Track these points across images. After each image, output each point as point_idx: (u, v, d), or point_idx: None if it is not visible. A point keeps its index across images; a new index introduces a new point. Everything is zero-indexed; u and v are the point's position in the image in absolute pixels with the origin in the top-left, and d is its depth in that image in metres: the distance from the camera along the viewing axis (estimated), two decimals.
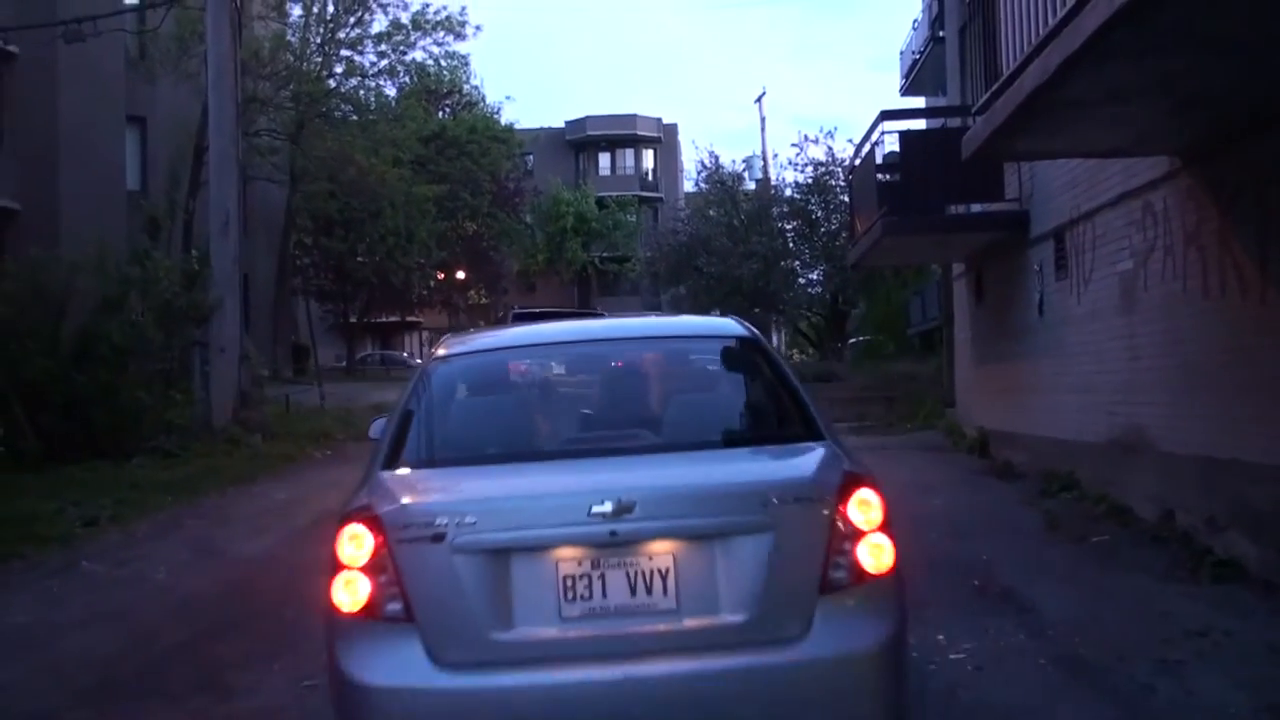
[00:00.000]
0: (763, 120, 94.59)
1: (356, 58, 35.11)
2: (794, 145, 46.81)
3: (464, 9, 37.10)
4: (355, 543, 3.66)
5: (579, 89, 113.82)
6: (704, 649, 3.60)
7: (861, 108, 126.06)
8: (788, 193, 37.19)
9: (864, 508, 3.74)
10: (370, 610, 3.63)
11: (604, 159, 65.13)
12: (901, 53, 30.10)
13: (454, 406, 4.68)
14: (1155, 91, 6.35)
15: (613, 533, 3.61)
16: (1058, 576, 7.41)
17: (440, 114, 47.23)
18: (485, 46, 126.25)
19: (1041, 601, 6.70)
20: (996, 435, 14.36)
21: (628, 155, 65.27)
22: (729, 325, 5.08)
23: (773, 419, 4.56)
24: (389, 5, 34.26)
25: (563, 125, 64.49)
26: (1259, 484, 7.05)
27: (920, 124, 16.24)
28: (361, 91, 37.16)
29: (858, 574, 3.69)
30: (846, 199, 24.80)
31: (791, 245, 36.55)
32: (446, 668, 3.57)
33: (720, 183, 38.97)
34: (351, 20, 34.28)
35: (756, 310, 39.68)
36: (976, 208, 13.87)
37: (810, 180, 35.48)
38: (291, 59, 32.82)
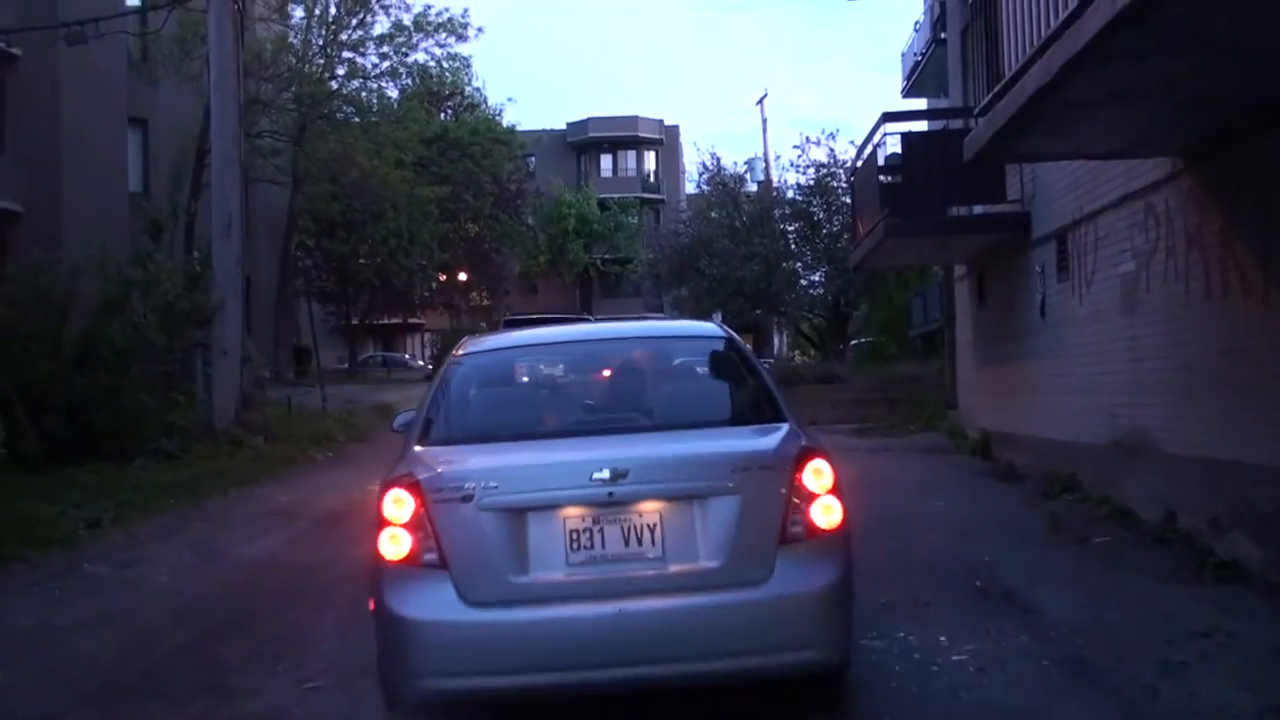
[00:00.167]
0: (764, 122, 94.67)
1: (358, 59, 35.08)
2: (796, 147, 46.67)
3: (466, 11, 37.40)
4: (398, 504, 4.49)
5: (581, 91, 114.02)
6: (685, 589, 4.43)
7: (863, 110, 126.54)
8: (789, 194, 37.15)
9: (817, 475, 4.59)
10: (411, 559, 4.45)
11: (606, 161, 65.15)
12: (903, 54, 30.13)
13: (475, 395, 5.53)
14: (1157, 92, 6.35)
15: (610, 495, 4.43)
16: (1060, 578, 7.40)
17: (442, 116, 47.22)
18: (487, 48, 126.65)
19: (1044, 603, 6.70)
20: (998, 437, 14.35)
21: (629, 157, 65.30)
22: (709, 327, 6.17)
23: (744, 404, 5.39)
24: (391, 7, 34.26)
25: (564, 127, 64.51)
26: (1263, 485, 7.04)
27: (922, 126, 16.27)
28: (363, 93, 37.12)
29: (811, 529, 4.53)
30: (848, 201, 24.80)
31: (793, 247, 36.51)
32: (473, 605, 4.38)
33: (722, 184, 38.93)
34: (353, 22, 34.24)
35: (758, 312, 39.75)
36: (978, 209, 13.87)
37: (812, 182, 35.44)
38: (294, 61, 32.80)
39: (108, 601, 7.84)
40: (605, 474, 4.43)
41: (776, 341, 54.20)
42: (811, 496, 4.56)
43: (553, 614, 4.39)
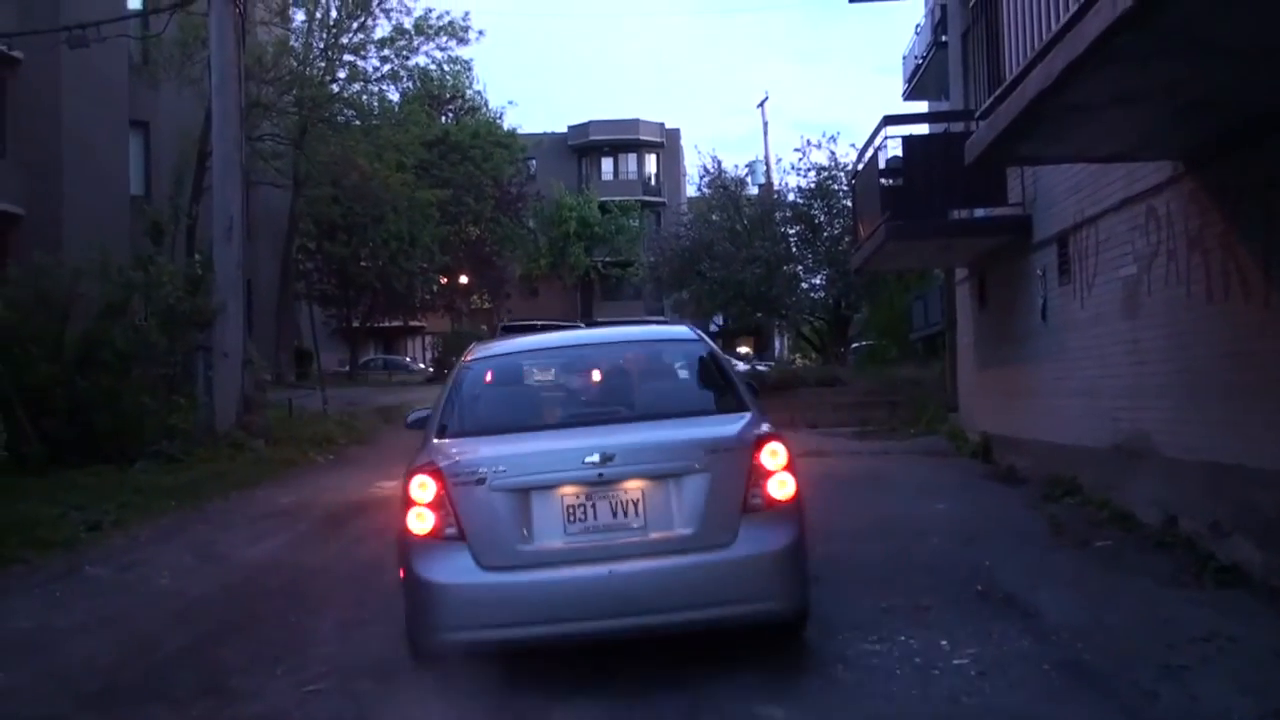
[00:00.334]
0: (765, 125, 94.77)
1: (359, 63, 35.09)
2: (797, 150, 46.54)
3: (467, 14, 37.36)
4: (423, 488, 5.37)
5: (582, 94, 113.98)
6: (663, 553, 5.28)
7: (864, 113, 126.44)
8: (790, 197, 37.22)
9: (773, 455, 5.47)
10: (435, 533, 5.33)
11: (607, 164, 65.13)
12: (904, 57, 30.10)
13: (483, 394, 6.39)
14: (1159, 96, 6.35)
15: (600, 475, 5.31)
16: (1061, 581, 7.39)
17: (443, 119, 47.25)
18: (488, 51, 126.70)
19: (1045, 606, 6.69)
20: (999, 440, 14.34)
21: (630, 160, 65.29)
22: (684, 331, 7.21)
23: (712, 397, 6.31)
24: (392, 10, 34.30)
25: (565, 130, 64.52)
26: (1264, 489, 7.03)
27: (923, 129, 16.24)
28: (364, 96, 37.17)
29: (769, 501, 5.41)
30: (849, 204, 24.83)
31: (794, 250, 36.55)
32: (488, 569, 5.26)
33: (723, 187, 38.99)
34: (354, 25, 34.26)
35: (759, 315, 39.76)
36: (979, 212, 13.86)
37: (813, 185, 35.49)
38: (295, 64, 32.83)
39: (108, 604, 7.84)
40: (596, 458, 5.31)
41: (777, 344, 54.23)
42: (768, 474, 5.43)
43: (554, 575, 5.26)
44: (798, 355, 46.86)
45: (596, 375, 6.67)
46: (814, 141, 37.79)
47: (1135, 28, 5.03)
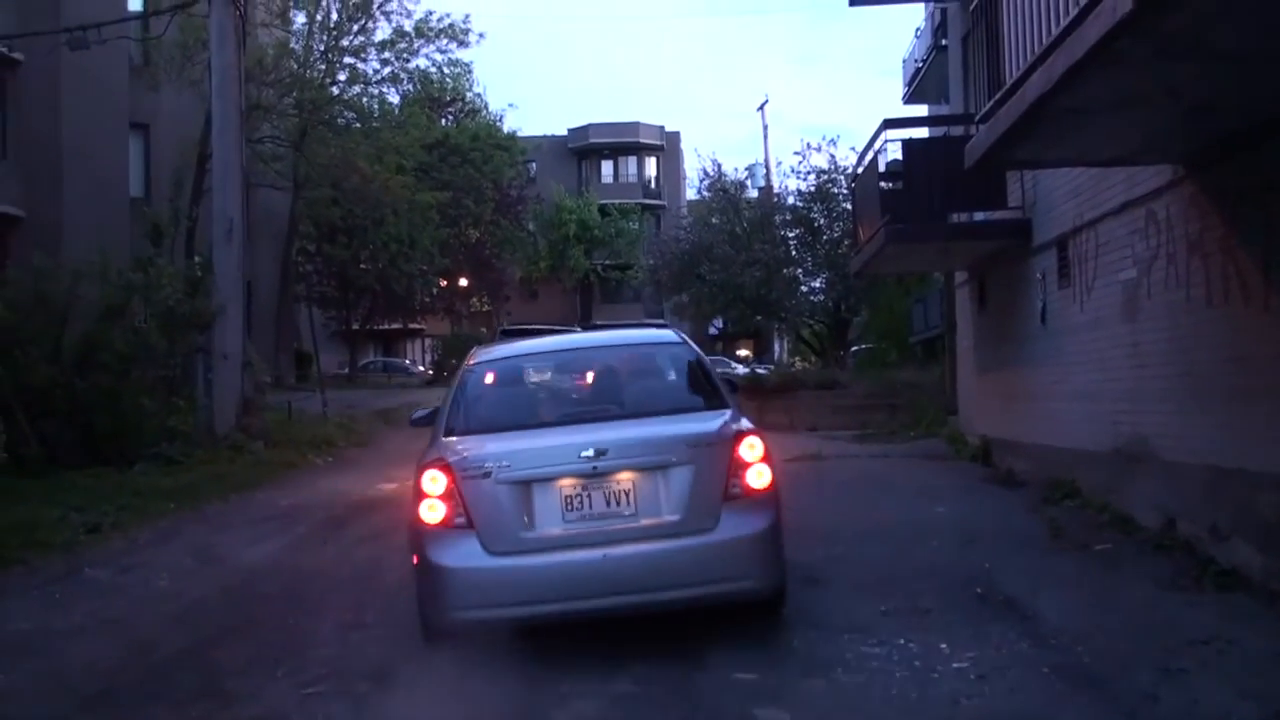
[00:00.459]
0: (765, 128, 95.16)
1: (360, 65, 35.04)
2: (796, 153, 46.43)
3: (467, 17, 37.04)
4: (434, 481, 5.88)
5: (582, 97, 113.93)
6: (653, 538, 5.78)
7: (864, 116, 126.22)
8: (790, 200, 37.20)
9: (751, 449, 5.98)
10: (445, 522, 5.83)
11: (606, 167, 65.15)
12: (904, 61, 30.08)
13: (486, 395, 6.90)
14: (1159, 100, 6.35)
15: (594, 468, 5.81)
16: (1061, 585, 7.39)
17: (443, 121, 47.21)
18: (488, 54, 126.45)
19: (1044, 610, 6.69)
20: (999, 443, 14.34)
21: (630, 163, 65.29)
22: (669, 334, 7.74)
23: (696, 396, 6.86)
24: (392, 13, 34.28)
25: (565, 133, 64.49)
26: (1264, 492, 7.03)
27: (923, 132, 16.25)
28: (365, 99, 37.14)
29: (747, 490, 5.93)
30: (849, 207, 24.82)
31: (794, 253, 36.55)
32: (494, 554, 5.74)
33: (723, 190, 38.97)
34: (355, 28, 34.25)
35: (759, 318, 39.79)
36: (979, 216, 13.86)
37: (813, 188, 35.48)
38: (295, 66, 32.80)
39: (108, 605, 7.84)
40: (590, 453, 5.81)
41: (777, 347, 54.17)
42: (747, 465, 5.93)
43: (554, 559, 5.75)
44: (797, 358, 46.77)
45: (589, 377, 7.13)
46: (814, 145, 37.61)
47: (1135, 32, 5.04)
